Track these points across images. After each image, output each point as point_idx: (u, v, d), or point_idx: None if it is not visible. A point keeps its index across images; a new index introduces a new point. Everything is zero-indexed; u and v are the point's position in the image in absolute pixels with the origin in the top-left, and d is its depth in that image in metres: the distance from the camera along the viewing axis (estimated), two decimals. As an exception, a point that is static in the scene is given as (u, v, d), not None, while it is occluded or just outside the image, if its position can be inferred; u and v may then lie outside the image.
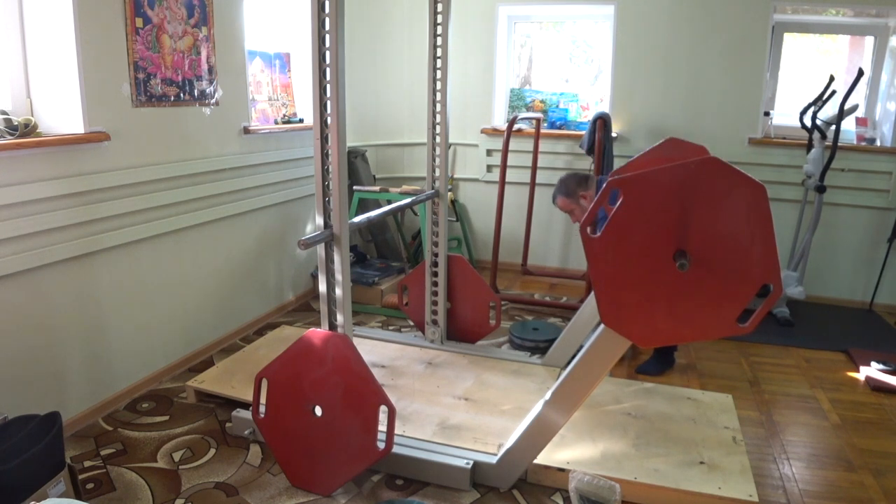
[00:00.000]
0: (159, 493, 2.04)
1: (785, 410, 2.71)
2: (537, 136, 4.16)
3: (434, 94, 2.83)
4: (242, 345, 3.16)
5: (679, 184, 1.59)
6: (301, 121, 3.76)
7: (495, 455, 2.12)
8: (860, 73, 3.40)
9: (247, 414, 2.31)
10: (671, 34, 4.05)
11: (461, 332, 3.12)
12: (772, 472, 2.24)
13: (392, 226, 4.41)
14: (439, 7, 2.74)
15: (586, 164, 4.22)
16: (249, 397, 2.36)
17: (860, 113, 4.01)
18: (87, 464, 2.19)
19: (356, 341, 2.09)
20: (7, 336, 2.13)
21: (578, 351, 2.20)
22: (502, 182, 3.99)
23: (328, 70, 1.93)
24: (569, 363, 2.11)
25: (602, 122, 3.69)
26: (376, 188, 3.84)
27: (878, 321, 3.83)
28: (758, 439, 2.44)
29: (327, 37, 1.91)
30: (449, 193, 3.62)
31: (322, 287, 2.10)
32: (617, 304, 1.72)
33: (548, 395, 1.99)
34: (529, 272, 4.43)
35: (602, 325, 1.82)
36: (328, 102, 1.95)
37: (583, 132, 4.00)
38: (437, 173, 2.92)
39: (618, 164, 3.85)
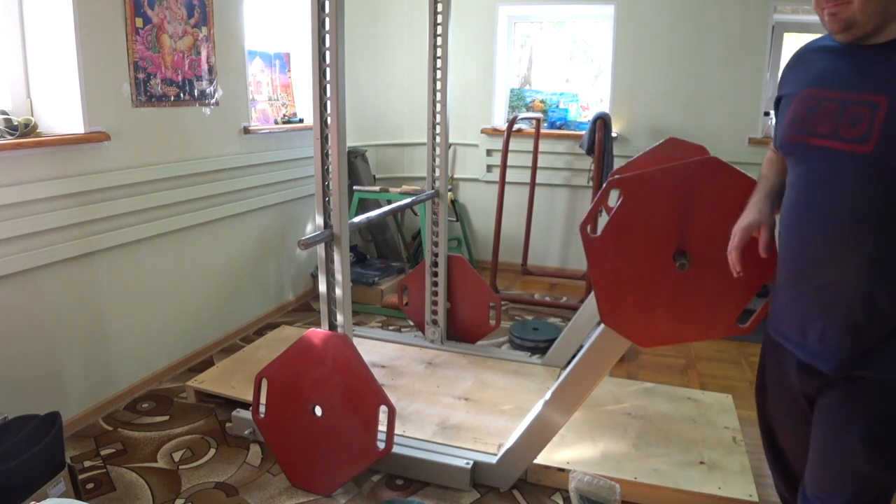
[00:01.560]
0: (159, 493, 2.04)
1: (785, 410, 2.70)
2: (537, 136, 4.16)
3: (434, 94, 2.83)
4: (242, 345, 3.16)
5: (679, 183, 1.59)
6: (301, 121, 3.76)
7: (495, 455, 2.12)
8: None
9: (247, 414, 2.31)
10: (671, 34, 4.04)
11: (461, 332, 3.12)
12: (772, 472, 2.24)
13: (392, 226, 4.41)
14: (439, 7, 2.74)
15: (586, 164, 4.22)
16: (249, 397, 2.36)
17: (860, 113, 4.00)
18: (87, 464, 2.19)
19: (356, 341, 2.09)
20: (7, 336, 2.13)
21: (578, 351, 2.20)
22: (502, 182, 3.99)
23: (328, 70, 1.93)
24: (569, 363, 2.11)
25: (602, 122, 3.69)
26: (376, 188, 3.85)
27: (878, 321, 3.82)
28: (758, 439, 2.43)
29: (327, 37, 1.92)
30: (449, 193, 3.62)
31: (322, 287, 2.10)
32: (617, 304, 1.72)
33: (548, 395, 1.99)
34: (529, 272, 4.43)
35: (602, 325, 1.82)
36: (328, 102, 1.95)
37: (583, 132, 4.00)
38: (437, 173, 2.92)
39: (618, 164, 3.85)
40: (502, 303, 3.75)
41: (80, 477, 2.08)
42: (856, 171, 1.08)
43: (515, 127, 4.11)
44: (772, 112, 4.08)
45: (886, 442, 1.15)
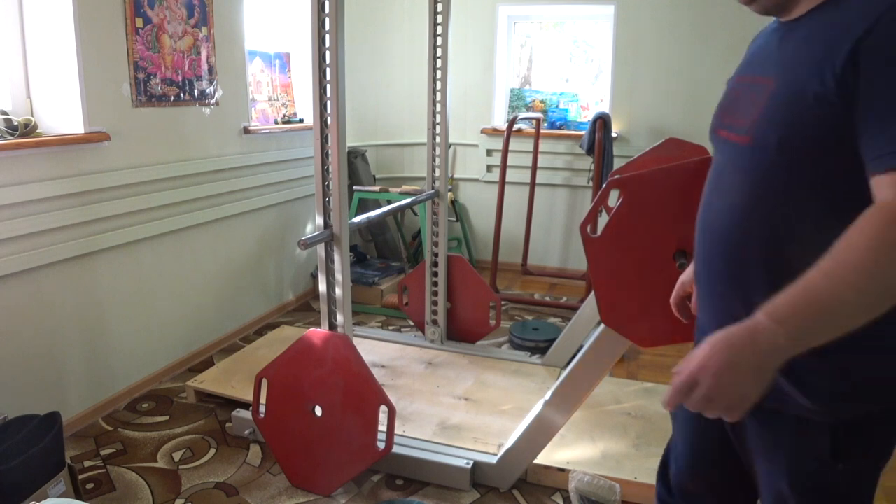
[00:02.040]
0: (159, 493, 2.04)
1: (785, 410, 2.70)
2: (537, 136, 4.16)
3: (434, 94, 2.83)
4: (242, 345, 3.16)
5: (679, 183, 1.59)
6: (301, 121, 3.76)
7: (495, 455, 2.12)
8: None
9: (247, 414, 2.31)
10: (671, 34, 4.04)
11: (461, 332, 3.12)
12: (772, 472, 2.24)
13: (392, 226, 4.41)
14: (439, 7, 2.74)
15: (586, 164, 4.22)
16: (249, 397, 2.36)
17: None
18: (87, 464, 2.19)
19: (356, 341, 2.09)
20: (7, 336, 2.13)
21: (578, 351, 2.20)
22: (502, 182, 3.99)
23: (328, 70, 1.93)
24: (569, 363, 2.11)
25: (602, 122, 3.69)
26: (376, 188, 3.84)
27: (878, 321, 3.82)
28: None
29: (327, 37, 1.92)
30: (449, 193, 3.62)
31: (322, 287, 2.10)
32: (617, 304, 1.72)
33: (548, 395, 1.99)
34: (529, 272, 4.43)
35: (602, 325, 1.82)
36: (328, 102, 1.95)
37: (583, 132, 4.00)
38: (437, 173, 2.92)
39: (618, 164, 3.85)
40: (502, 303, 3.74)
41: (80, 477, 2.08)
42: (737, 165, 0.96)
43: (515, 127, 4.11)
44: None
45: (811, 487, 0.97)
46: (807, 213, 0.88)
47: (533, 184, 4.27)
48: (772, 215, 0.91)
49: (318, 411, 2.03)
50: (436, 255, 3.01)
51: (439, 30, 2.77)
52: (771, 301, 0.80)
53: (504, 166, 3.96)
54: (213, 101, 2.97)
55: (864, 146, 0.79)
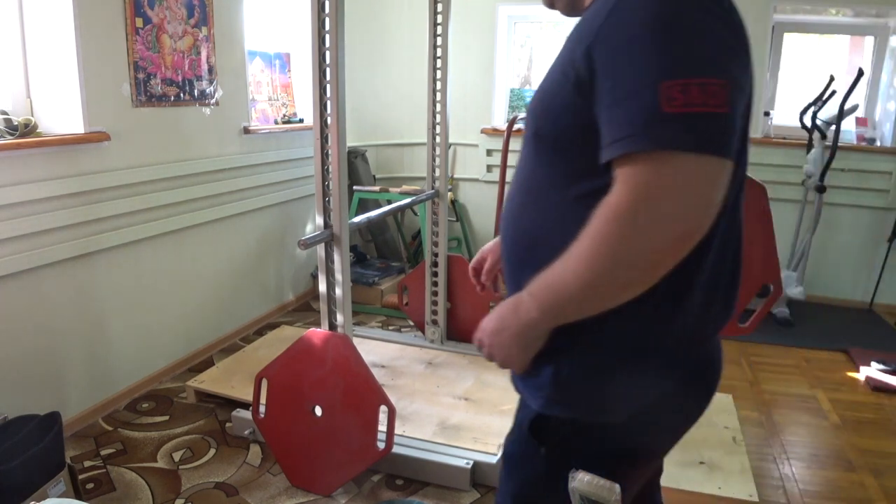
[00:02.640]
0: (159, 493, 2.04)
1: (785, 410, 2.71)
2: (537, 136, 4.15)
3: (434, 94, 2.83)
4: (242, 345, 3.16)
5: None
6: (301, 121, 3.76)
7: (495, 455, 2.12)
8: (860, 73, 3.40)
9: (247, 414, 2.31)
10: (671, 34, 4.03)
11: (461, 332, 3.12)
12: (772, 472, 2.24)
13: (392, 226, 4.41)
14: (439, 7, 2.74)
15: (586, 164, 4.21)
16: (249, 397, 2.36)
17: (860, 113, 4.01)
18: (87, 464, 2.19)
19: (356, 341, 2.09)
20: (7, 336, 2.13)
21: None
22: (502, 182, 3.99)
23: (328, 70, 1.93)
24: (569, 363, 2.11)
25: (602, 122, 3.69)
26: (376, 188, 3.84)
27: (878, 321, 3.83)
28: (758, 439, 2.44)
29: (327, 37, 1.92)
30: (449, 193, 3.62)
31: (322, 287, 2.10)
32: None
33: (548, 395, 1.99)
34: (529, 272, 4.42)
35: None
36: (328, 102, 1.95)
37: (583, 132, 3.99)
38: (437, 173, 2.92)
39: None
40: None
41: (80, 477, 2.08)
42: (521, 156, 0.99)
43: (515, 127, 4.11)
44: (771, 112, 4.09)
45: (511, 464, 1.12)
46: (561, 204, 0.90)
47: (533, 184, 4.26)
48: (534, 204, 0.94)
49: (318, 411, 2.03)
50: (436, 255, 3.01)
51: (439, 30, 2.77)
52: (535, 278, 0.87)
53: (504, 166, 3.96)
54: (213, 101, 2.97)
55: (601, 137, 0.81)
